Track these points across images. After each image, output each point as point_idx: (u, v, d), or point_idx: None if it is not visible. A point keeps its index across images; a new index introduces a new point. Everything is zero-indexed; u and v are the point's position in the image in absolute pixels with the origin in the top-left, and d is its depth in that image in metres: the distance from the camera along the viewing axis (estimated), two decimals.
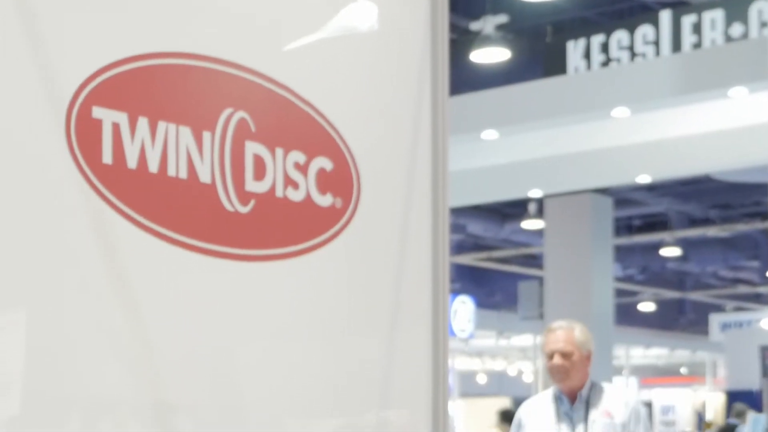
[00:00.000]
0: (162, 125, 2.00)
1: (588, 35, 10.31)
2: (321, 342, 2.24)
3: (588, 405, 4.25)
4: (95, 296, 1.91)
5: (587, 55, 10.22)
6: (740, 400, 13.95)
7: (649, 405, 18.81)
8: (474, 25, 10.19)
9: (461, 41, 10.29)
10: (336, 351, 2.27)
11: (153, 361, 1.97)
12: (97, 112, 1.92)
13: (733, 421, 12.79)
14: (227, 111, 2.10)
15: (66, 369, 1.86)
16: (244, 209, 2.11)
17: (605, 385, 4.40)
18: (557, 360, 4.25)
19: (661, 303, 23.21)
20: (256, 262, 2.13)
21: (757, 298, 22.44)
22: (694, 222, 16.62)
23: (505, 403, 14.20)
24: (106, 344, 1.92)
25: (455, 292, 16.41)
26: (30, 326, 1.84)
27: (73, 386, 1.87)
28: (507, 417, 11.19)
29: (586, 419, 4.21)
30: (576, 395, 4.26)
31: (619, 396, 4.32)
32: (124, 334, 1.94)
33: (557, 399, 4.30)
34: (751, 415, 10.77)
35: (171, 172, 2.01)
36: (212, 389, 2.05)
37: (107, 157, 1.92)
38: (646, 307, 23.14)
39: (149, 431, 1.96)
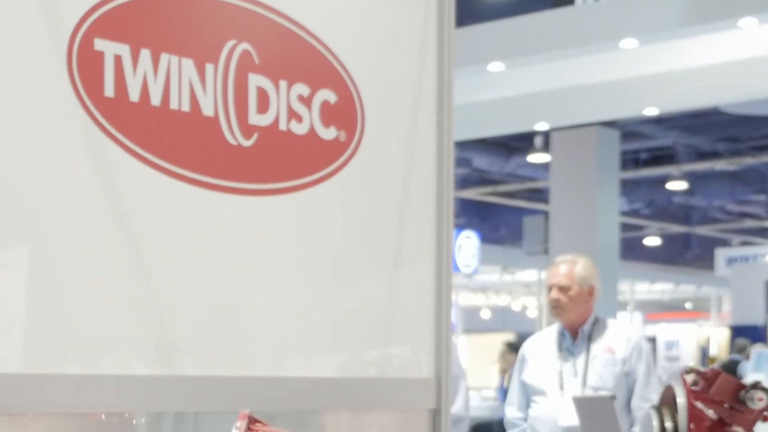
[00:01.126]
0: (164, 57, 1.98)
1: None
2: (323, 278, 2.24)
3: (590, 340, 4.26)
4: (97, 232, 1.90)
5: None
6: (745, 335, 14.01)
7: (653, 340, 18.91)
8: None
9: None
10: (338, 287, 2.26)
11: (155, 298, 1.97)
12: (99, 44, 1.90)
13: (735, 356, 12.85)
14: (230, 43, 2.07)
15: (67, 306, 1.86)
16: (247, 143, 2.09)
17: (610, 321, 4.41)
18: (554, 294, 4.27)
19: (667, 237, 23.22)
20: (258, 197, 2.12)
21: (764, 233, 22.43)
22: (701, 155, 16.54)
23: (509, 338, 14.28)
24: (107, 281, 1.91)
25: (460, 227, 16.43)
26: (31, 262, 1.83)
27: (74, 324, 1.87)
28: (512, 348, 11.27)
29: (587, 355, 4.23)
30: (578, 331, 4.27)
31: (621, 332, 4.33)
32: (125, 270, 1.93)
33: (560, 334, 4.32)
34: (756, 350, 10.80)
35: (173, 105, 1.99)
36: (214, 326, 2.05)
37: (109, 90, 1.90)
38: (652, 241, 23.17)
39: (151, 369, 1.96)
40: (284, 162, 2.16)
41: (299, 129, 2.17)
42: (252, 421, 1.33)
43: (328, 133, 2.22)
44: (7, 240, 1.81)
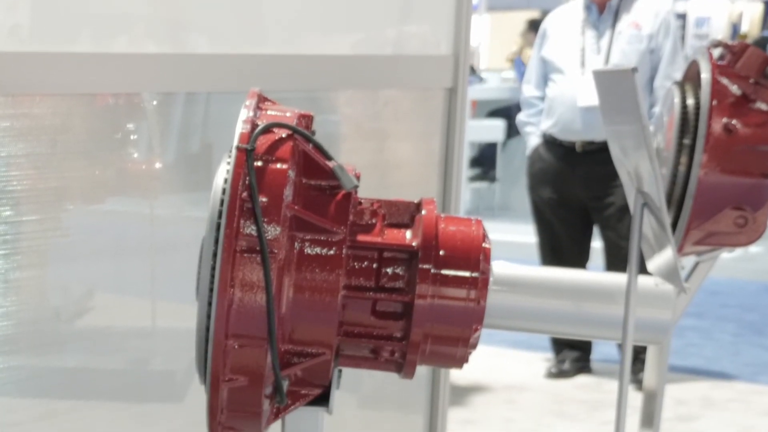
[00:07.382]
0: None
1: None
2: None
3: (617, 15, 4.15)
4: None
5: None
6: None
7: (682, 17, 18.54)
8: None
9: None
10: None
11: None
12: None
13: None
14: None
15: None
16: None
17: None
18: None
19: None
20: None
21: None
22: None
23: (534, 15, 13.99)
24: None
25: None
26: None
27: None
28: (534, 26, 11.08)
29: (612, 30, 4.13)
30: (605, 5, 4.15)
31: (650, 6, 4.20)
32: None
33: (587, 8, 4.20)
34: None
35: None
36: (228, 2, 1.99)
37: None
38: None
39: (162, 47, 1.92)
40: None
41: None
42: (262, 99, 1.29)
43: None
44: None
